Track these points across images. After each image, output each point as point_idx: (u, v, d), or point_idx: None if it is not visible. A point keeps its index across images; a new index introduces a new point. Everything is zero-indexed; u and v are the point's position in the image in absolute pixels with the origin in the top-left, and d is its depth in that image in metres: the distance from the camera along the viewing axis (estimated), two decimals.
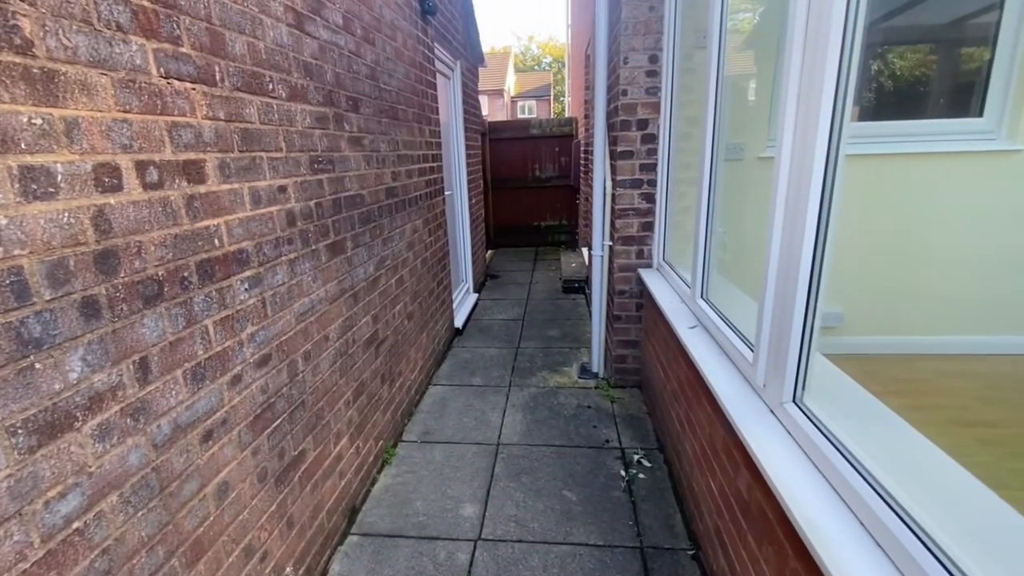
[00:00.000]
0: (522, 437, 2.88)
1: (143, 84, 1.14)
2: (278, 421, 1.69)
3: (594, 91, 3.14)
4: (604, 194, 3.24)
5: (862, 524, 1.01)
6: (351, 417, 2.27)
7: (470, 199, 5.43)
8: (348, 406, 2.24)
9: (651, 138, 2.94)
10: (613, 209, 3.15)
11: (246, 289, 1.51)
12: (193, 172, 1.29)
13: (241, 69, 1.48)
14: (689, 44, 2.74)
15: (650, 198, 3.04)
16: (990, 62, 2.90)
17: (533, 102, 35.46)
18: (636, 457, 2.66)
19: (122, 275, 1.08)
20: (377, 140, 2.59)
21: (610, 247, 3.25)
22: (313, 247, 1.92)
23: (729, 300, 2.13)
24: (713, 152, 2.00)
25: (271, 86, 1.64)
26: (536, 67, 45.88)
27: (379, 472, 2.61)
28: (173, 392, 1.22)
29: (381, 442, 2.65)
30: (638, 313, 3.26)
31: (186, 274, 1.26)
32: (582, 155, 6.90)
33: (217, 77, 1.38)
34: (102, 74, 1.03)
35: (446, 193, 4.25)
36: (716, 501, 1.79)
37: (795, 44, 1.22)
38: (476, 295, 5.57)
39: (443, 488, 2.48)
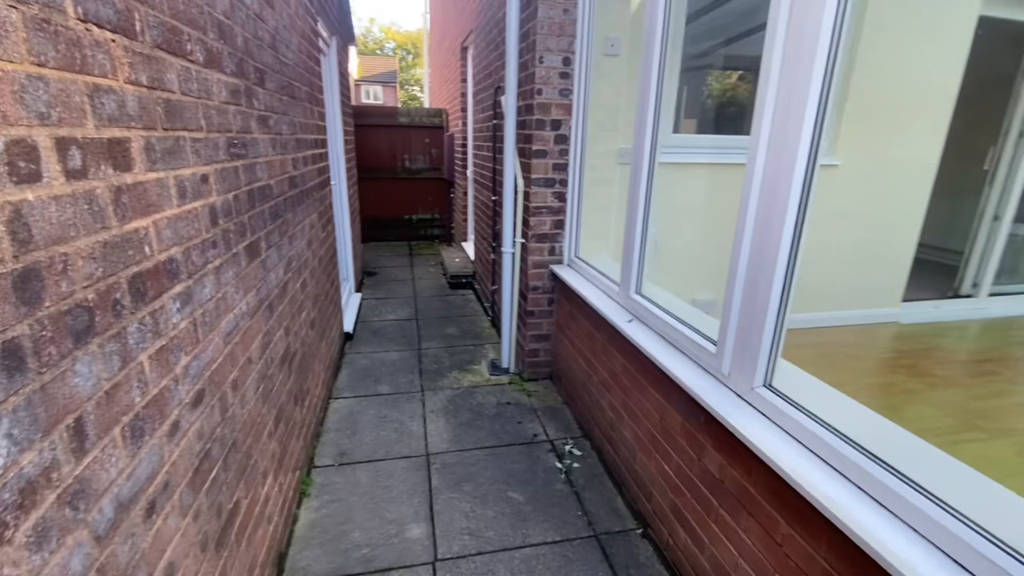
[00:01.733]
0: (451, 443, 2.77)
1: (60, 27, 0.79)
2: (215, 471, 1.35)
3: (507, 88, 3.11)
4: (515, 192, 3.25)
5: (861, 488, 1.19)
6: (273, 450, 1.92)
7: (348, 190, 4.98)
8: (271, 437, 1.89)
9: (563, 139, 3.03)
10: (526, 207, 3.18)
11: (178, 309, 1.16)
12: (119, 155, 0.94)
13: (160, 21, 1.12)
14: (598, 52, 2.88)
15: (562, 197, 3.14)
16: None
17: (379, 88, 33.93)
18: (567, 448, 2.75)
19: (47, 304, 0.74)
20: (280, 121, 2.20)
21: (523, 244, 3.28)
22: (234, 250, 1.57)
23: (656, 295, 2.31)
24: (652, 154, 2.14)
25: (189, 46, 1.27)
26: (379, 51, 43.90)
27: (298, 507, 2.27)
28: (113, 459, 0.89)
29: (298, 472, 2.30)
30: (550, 308, 3.36)
31: (118, 295, 0.92)
32: (458, 149, 6.82)
33: (137, 27, 1.02)
34: (10, 6, 0.68)
35: (332, 183, 3.84)
36: (672, 481, 1.94)
37: (773, 64, 1.36)
38: (359, 295, 5.16)
39: (380, 512, 2.26)
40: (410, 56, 43.36)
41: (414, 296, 5.36)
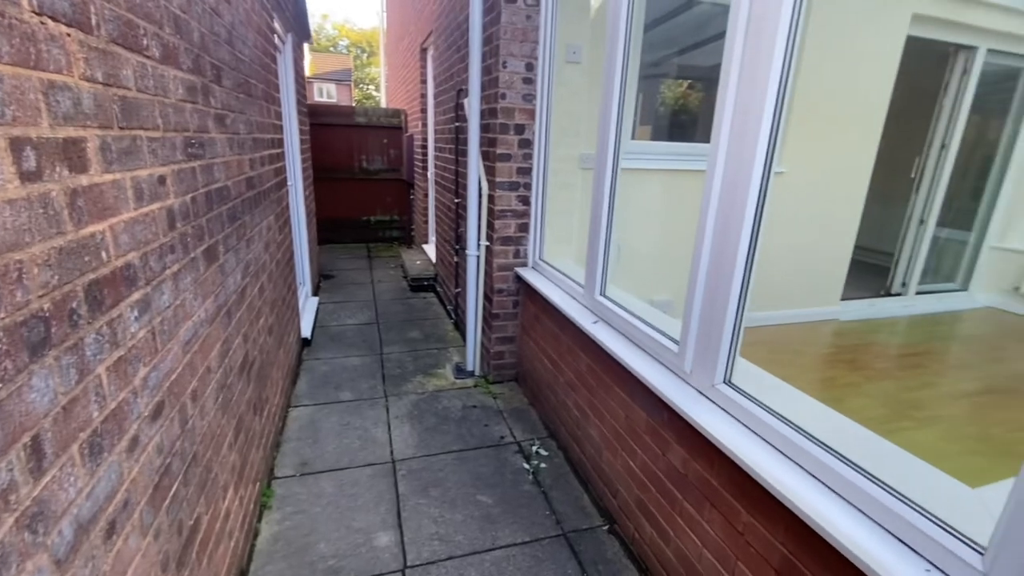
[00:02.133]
0: (417, 449, 2.74)
1: (14, 20, 0.74)
2: (175, 487, 1.28)
3: (470, 91, 3.12)
4: (480, 195, 3.26)
5: (813, 475, 1.27)
6: (234, 462, 1.85)
7: (305, 191, 4.84)
8: (231, 449, 1.82)
9: (527, 143, 3.06)
10: (491, 210, 3.20)
11: (136, 318, 1.10)
12: (74, 156, 0.89)
13: (116, 14, 1.06)
14: (560, 58, 2.94)
15: (526, 200, 3.17)
16: None
17: (332, 86, 33.10)
18: (534, 448, 2.78)
19: (2, 316, 0.69)
20: (237, 120, 2.12)
21: (487, 247, 3.29)
22: (192, 255, 1.50)
23: (619, 296, 2.38)
24: (615, 160, 2.20)
25: (145, 41, 1.21)
26: (332, 48, 42.81)
27: (259, 521, 2.19)
28: (71, 478, 0.83)
29: (259, 484, 2.22)
30: (515, 310, 3.38)
31: (74, 304, 0.87)
32: (418, 150, 6.75)
33: (93, 20, 0.97)
34: None
35: (288, 184, 3.72)
36: (637, 477, 2.00)
37: (731, 78, 1.44)
38: (316, 299, 5.01)
39: (346, 522, 2.21)
40: (365, 55, 42.52)
41: (374, 299, 5.26)
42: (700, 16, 4.25)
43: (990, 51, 4.24)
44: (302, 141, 4.74)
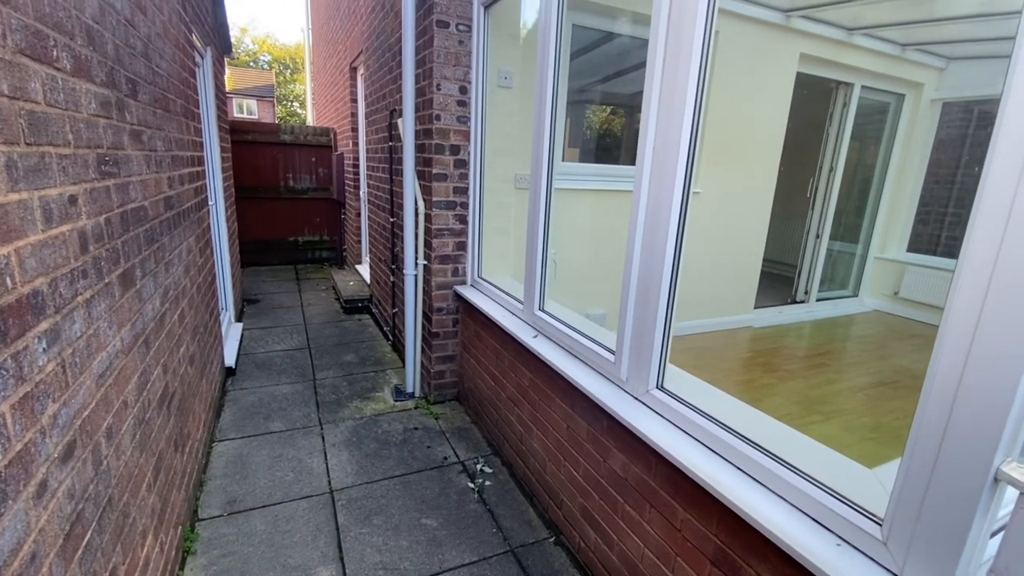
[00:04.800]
0: (357, 477, 2.64)
1: None
2: (88, 535, 1.16)
3: (404, 112, 3.13)
4: (416, 214, 3.25)
5: (740, 469, 1.38)
6: (153, 505, 1.69)
7: (227, 210, 4.58)
8: (150, 490, 1.67)
9: (463, 163, 3.12)
10: (428, 229, 3.20)
11: (44, 349, 1.01)
12: None
13: (24, 23, 0.99)
14: (493, 83, 3.04)
15: (463, 219, 3.21)
16: None
17: (253, 102, 31.67)
18: (478, 467, 2.77)
19: None
20: (154, 136, 2.00)
21: (426, 266, 3.28)
22: (107, 280, 1.39)
23: (557, 310, 2.47)
24: (548, 179, 2.30)
25: (55, 52, 1.13)
26: (252, 63, 41.08)
27: (182, 568, 2.00)
28: None
29: (181, 528, 2.04)
30: (455, 328, 3.38)
31: None
32: (349, 169, 6.62)
33: (0, 30, 0.90)
34: None
35: (209, 203, 3.52)
36: (580, 486, 2.06)
37: (653, 97, 1.57)
38: (240, 324, 4.71)
39: (281, 559, 2.08)
40: (288, 71, 41.13)
41: (304, 323, 5.03)
42: (621, 47, 4.55)
43: (864, 87, 4.89)
44: (223, 159, 4.51)
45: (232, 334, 4.33)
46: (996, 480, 0.89)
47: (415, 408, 3.41)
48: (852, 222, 5.63)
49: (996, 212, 0.86)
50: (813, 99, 5.06)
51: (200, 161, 3.07)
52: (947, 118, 5.40)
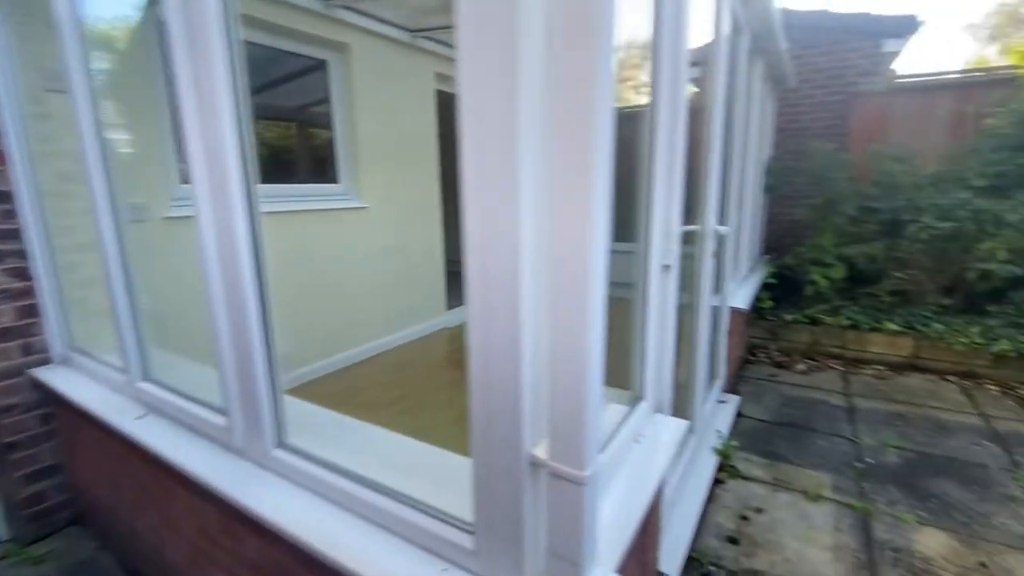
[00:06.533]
0: None
1: None
2: None
3: None
4: None
5: (364, 517, 1.22)
6: None
7: None
8: None
9: (6, 196, 2.19)
10: None
11: None
12: None
13: None
14: (36, 85, 2.23)
15: (22, 273, 2.27)
16: (332, 142, 3.95)
17: None
18: None
19: None
20: None
21: None
22: None
23: (178, 372, 1.95)
24: (113, 213, 1.74)
25: None
26: None
27: None
28: None
29: None
30: (48, 427, 2.40)
31: None
32: None
33: None
34: None
35: None
36: None
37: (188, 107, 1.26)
38: None
39: None
40: None
41: None
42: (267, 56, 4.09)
43: None
44: None
45: None
46: (533, 464, 0.92)
47: (3, 559, 2.29)
48: None
49: None
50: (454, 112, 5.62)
51: None
52: None
